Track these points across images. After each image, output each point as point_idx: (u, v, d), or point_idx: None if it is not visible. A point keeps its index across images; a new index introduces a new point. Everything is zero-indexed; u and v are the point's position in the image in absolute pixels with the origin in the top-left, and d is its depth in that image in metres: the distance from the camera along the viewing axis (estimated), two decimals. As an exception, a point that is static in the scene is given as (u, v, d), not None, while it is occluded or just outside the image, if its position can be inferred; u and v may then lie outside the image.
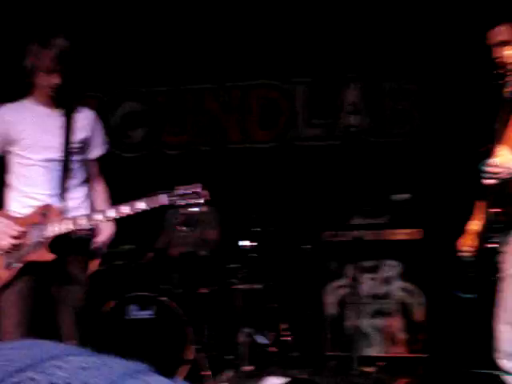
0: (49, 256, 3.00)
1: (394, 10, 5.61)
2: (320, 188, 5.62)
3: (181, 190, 2.87)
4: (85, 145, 3.22)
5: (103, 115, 6.11)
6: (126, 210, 2.91)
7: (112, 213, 2.96)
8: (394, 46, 5.74)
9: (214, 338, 4.61)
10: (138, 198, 5.71)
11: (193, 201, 2.87)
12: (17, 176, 3.13)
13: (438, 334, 4.51)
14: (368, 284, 4.72)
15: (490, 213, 2.75)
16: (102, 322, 4.42)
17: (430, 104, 5.83)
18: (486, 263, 2.76)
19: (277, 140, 6.13)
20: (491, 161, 2.55)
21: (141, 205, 2.90)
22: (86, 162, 3.27)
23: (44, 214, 3.04)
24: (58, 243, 3.03)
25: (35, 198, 3.07)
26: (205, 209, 3.14)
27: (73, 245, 3.11)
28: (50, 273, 3.08)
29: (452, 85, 5.45)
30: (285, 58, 5.99)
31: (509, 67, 2.59)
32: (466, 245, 2.86)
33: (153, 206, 2.90)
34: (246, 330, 4.53)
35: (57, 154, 3.10)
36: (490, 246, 2.73)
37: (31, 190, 3.09)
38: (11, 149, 3.12)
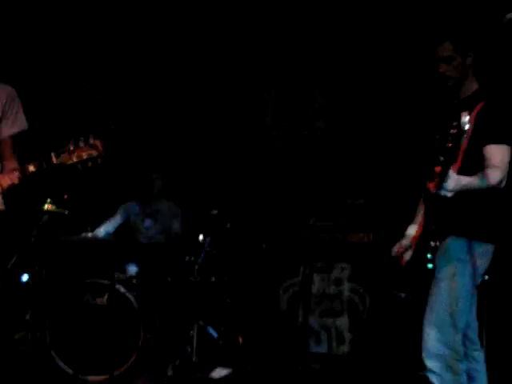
0: None
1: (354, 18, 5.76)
2: (281, 189, 5.75)
3: (73, 144, 2.70)
4: None
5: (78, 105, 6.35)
6: (17, 175, 2.78)
7: (7, 180, 2.79)
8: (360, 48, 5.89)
9: (166, 329, 4.72)
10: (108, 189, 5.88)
11: (87, 155, 2.67)
12: None
13: (381, 335, 4.67)
14: (319, 284, 4.86)
15: (429, 221, 2.87)
16: (59, 307, 4.53)
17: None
18: (421, 266, 2.88)
19: (244, 139, 6.26)
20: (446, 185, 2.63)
21: (30, 167, 2.77)
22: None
23: None
24: None
25: None
26: (100, 161, 2.66)
27: None
28: None
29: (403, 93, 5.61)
30: (255, 62, 6.13)
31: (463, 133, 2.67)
32: (401, 250, 3.00)
33: (42, 166, 2.75)
34: (199, 322, 4.64)
35: None
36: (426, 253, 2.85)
37: None
38: None
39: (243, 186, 5.92)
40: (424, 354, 2.81)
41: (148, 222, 5.61)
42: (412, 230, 3.03)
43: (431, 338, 2.81)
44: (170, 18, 6.04)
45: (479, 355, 2.90)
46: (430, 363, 2.80)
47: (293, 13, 5.86)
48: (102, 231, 5.48)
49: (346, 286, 4.82)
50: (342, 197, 5.01)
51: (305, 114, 6.17)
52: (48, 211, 4.67)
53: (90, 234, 5.15)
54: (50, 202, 4.70)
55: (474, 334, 2.92)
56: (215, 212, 5.04)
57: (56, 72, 6.28)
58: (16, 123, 3.12)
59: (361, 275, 4.81)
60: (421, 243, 2.90)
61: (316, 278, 4.85)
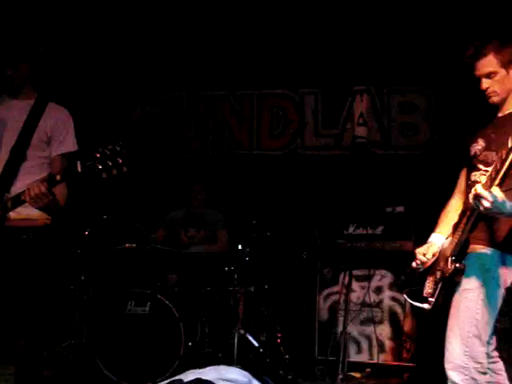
0: None
1: (403, 24, 5.74)
2: (321, 197, 5.78)
3: (97, 153, 2.67)
4: (48, 140, 3.18)
5: (119, 118, 6.54)
6: (45, 184, 2.81)
7: (34, 189, 2.82)
8: (405, 58, 5.87)
9: (207, 337, 4.80)
10: (153, 200, 6.01)
11: (111, 163, 2.64)
12: None
13: (424, 344, 4.62)
14: (359, 292, 4.85)
15: (465, 235, 2.80)
16: (103, 315, 4.66)
17: (438, 118, 5.97)
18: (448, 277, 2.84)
19: (285, 148, 6.31)
20: (487, 194, 2.55)
21: (57, 176, 2.82)
22: (50, 158, 3.20)
23: None
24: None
25: None
26: (125, 169, 2.62)
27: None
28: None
29: (461, 98, 5.54)
30: (295, 69, 6.18)
31: None
32: (428, 256, 2.96)
33: (68, 175, 2.79)
34: (239, 330, 4.70)
35: (11, 145, 3.09)
36: (457, 265, 2.79)
37: None
38: None
39: (283, 196, 5.98)
40: (447, 366, 2.76)
41: (192, 232, 5.73)
42: (445, 242, 2.97)
43: (455, 350, 2.75)
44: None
45: (499, 367, 2.82)
46: (454, 375, 2.75)
47: (339, 17, 5.90)
48: (149, 241, 5.61)
49: (387, 294, 4.80)
50: (381, 204, 4.99)
51: (345, 122, 6.20)
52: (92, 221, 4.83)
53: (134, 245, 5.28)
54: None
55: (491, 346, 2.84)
56: (255, 222, 5.11)
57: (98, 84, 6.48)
58: (63, 144, 3.21)
59: (401, 283, 4.78)
60: (456, 255, 2.83)
61: (356, 286, 4.85)
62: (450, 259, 2.78)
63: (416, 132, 6.08)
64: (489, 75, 2.88)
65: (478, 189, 2.53)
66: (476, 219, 2.72)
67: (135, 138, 6.57)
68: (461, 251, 2.80)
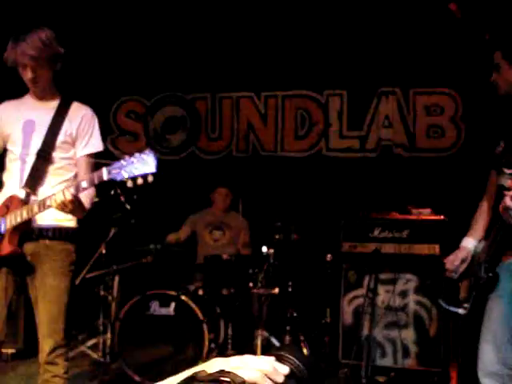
0: (8, 249, 2.98)
1: (430, 25, 5.68)
2: (346, 199, 5.75)
3: (125, 160, 2.62)
4: (72, 141, 3.17)
5: (145, 118, 6.58)
6: (71, 191, 2.80)
7: (60, 196, 2.81)
8: (431, 60, 5.81)
9: (231, 338, 4.79)
10: (176, 201, 6.02)
11: (139, 171, 2.59)
12: (5, 171, 3.18)
13: (450, 349, 4.57)
14: (384, 295, 4.80)
15: (495, 243, 2.76)
16: (128, 316, 4.67)
17: (465, 120, 5.90)
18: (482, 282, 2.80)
19: (309, 150, 6.28)
20: None
21: (83, 183, 2.80)
22: (75, 159, 3.20)
23: (7, 205, 3.04)
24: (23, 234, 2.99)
25: (11, 192, 3.07)
26: (151, 179, 2.54)
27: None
28: (23, 265, 3.04)
29: (490, 100, 5.47)
30: (321, 70, 6.15)
31: None
32: (456, 263, 2.93)
33: (94, 182, 2.75)
34: (263, 332, 4.69)
35: (38, 148, 3.09)
36: (490, 274, 2.75)
37: (10, 183, 3.13)
38: (6, 145, 3.18)
39: (307, 197, 5.96)
40: (480, 373, 2.73)
41: (217, 234, 5.73)
42: (478, 246, 2.93)
43: (489, 356, 2.73)
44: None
45: None
46: (487, 381, 2.72)
47: (365, 19, 5.86)
48: (170, 242, 5.63)
49: (412, 298, 4.75)
50: (408, 207, 4.94)
51: (370, 124, 6.15)
52: (117, 222, 4.84)
53: (159, 246, 5.30)
54: (119, 214, 4.87)
55: None
56: (279, 224, 5.09)
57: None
58: (89, 145, 3.21)
59: (427, 287, 4.72)
60: (491, 261, 2.79)
61: (381, 289, 4.80)
62: (483, 267, 2.75)
63: (442, 134, 6.01)
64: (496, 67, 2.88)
65: (507, 201, 2.48)
66: (506, 229, 2.68)
67: (159, 139, 6.60)
68: (494, 259, 2.76)
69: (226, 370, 0.88)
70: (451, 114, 5.98)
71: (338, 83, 6.21)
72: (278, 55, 6.15)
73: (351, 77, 6.12)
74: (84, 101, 3.32)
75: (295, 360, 0.97)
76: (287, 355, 0.97)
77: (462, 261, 2.92)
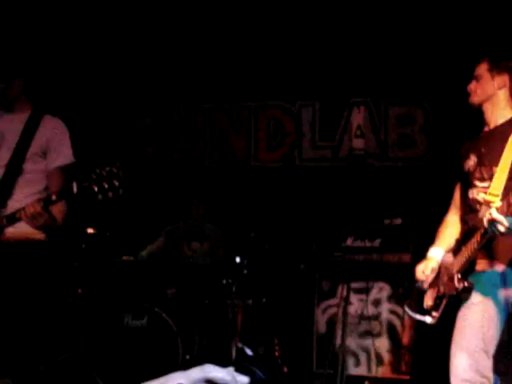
0: None
1: (401, 37, 5.76)
2: (318, 209, 5.78)
3: (94, 175, 2.65)
4: (43, 153, 3.14)
5: (117, 129, 6.54)
6: (41, 204, 2.79)
7: (30, 208, 2.80)
8: (403, 71, 5.89)
9: (205, 350, 4.78)
10: (150, 213, 5.99)
11: (107, 185, 2.62)
12: None
13: (423, 357, 4.61)
14: (358, 304, 4.84)
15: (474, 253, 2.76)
16: (100, 328, 4.64)
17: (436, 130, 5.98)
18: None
19: (282, 161, 6.31)
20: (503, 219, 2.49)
21: (53, 196, 2.80)
22: (46, 171, 3.17)
23: None
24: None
25: None
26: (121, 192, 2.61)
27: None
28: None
29: (458, 110, 5.56)
30: (293, 81, 6.19)
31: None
32: (426, 272, 2.96)
33: (65, 195, 2.77)
34: (237, 343, 4.68)
35: (7, 160, 3.07)
36: (466, 284, 2.76)
37: None
38: None
39: (280, 208, 5.97)
40: (453, 379, 2.74)
41: (195, 245, 5.70)
42: (446, 256, 2.95)
43: (461, 364, 2.72)
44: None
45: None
46: None
47: (335, 29, 5.92)
48: (144, 254, 5.59)
49: (385, 307, 4.79)
50: (379, 217, 4.99)
51: (342, 134, 6.21)
52: (90, 234, 4.81)
53: (131, 257, 5.27)
54: (92, 226, 4.84)
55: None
56: (252, 234, 5.10)
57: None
58: (60, 157, 3.17)
59: (399, 296, 4.77)
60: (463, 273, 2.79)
61: (354, 298, 4.84)
62: (456, 276, 2.75)
63: (413, 144, 6.08)
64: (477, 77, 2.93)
65: (493, 213, 2.50)
66: (487, 240, 2.68)
67: (132, 150, 6.57)
68: (468, 269, 2.76)
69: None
70: (422, 124, 6.06)
71: (310, 94, 6.26)
72: (250, 66, 6.17)
73: (323, 88, 6.17)
74: (56, 112, 3.31)
75: (256, 369, 0.98)
76: (247, 365, 0.98)
77: (432, 270, 2.95)
